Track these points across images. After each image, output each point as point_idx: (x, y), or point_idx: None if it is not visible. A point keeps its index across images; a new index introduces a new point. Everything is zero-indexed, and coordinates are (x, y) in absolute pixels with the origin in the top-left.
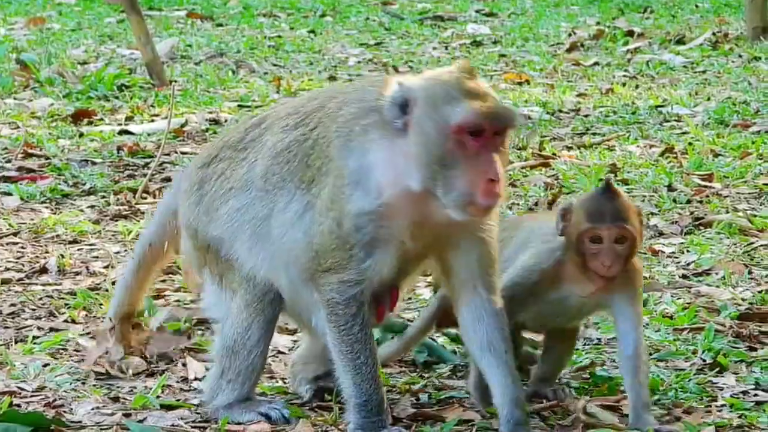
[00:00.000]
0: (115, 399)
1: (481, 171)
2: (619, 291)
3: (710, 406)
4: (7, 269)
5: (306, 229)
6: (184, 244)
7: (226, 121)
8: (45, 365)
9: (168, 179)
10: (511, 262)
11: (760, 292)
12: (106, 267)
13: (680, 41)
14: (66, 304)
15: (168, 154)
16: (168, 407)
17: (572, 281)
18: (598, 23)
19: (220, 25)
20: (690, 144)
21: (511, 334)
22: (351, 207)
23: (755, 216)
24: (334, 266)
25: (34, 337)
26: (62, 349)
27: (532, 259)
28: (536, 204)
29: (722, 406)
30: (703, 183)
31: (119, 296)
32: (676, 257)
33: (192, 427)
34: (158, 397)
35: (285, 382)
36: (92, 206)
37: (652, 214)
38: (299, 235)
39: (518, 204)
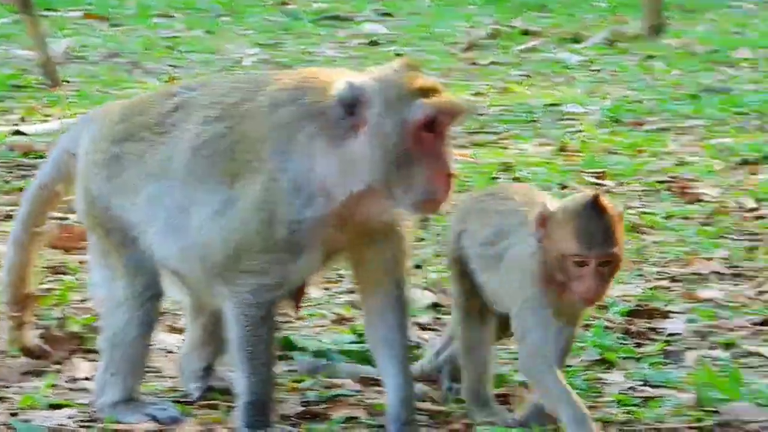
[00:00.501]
0: (2, 399)
1: (439, 167)
2: None
3: (597, 402)
4: None
5: (224, 226)
6: (80, 202)
7: None
8: None
9: None
10: (487, 238)
11: (650, 288)
12: None
13: (576, 40)
14: None
15: None
16: (55, 406)
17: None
18: (495, 23)
19: (116, 25)
20: (584, 142)
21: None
22: (290, 214)
23: (646, 213)
24: (255, 268)
25: None
26: None
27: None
28: None
29: (609, 402)
30: (596, 181)
31: (9, 257)
32: None
33: (79, 426)
34: (46, 396)
35: (174, 381)
36: None
37: None
38: (216, 231)
39: None
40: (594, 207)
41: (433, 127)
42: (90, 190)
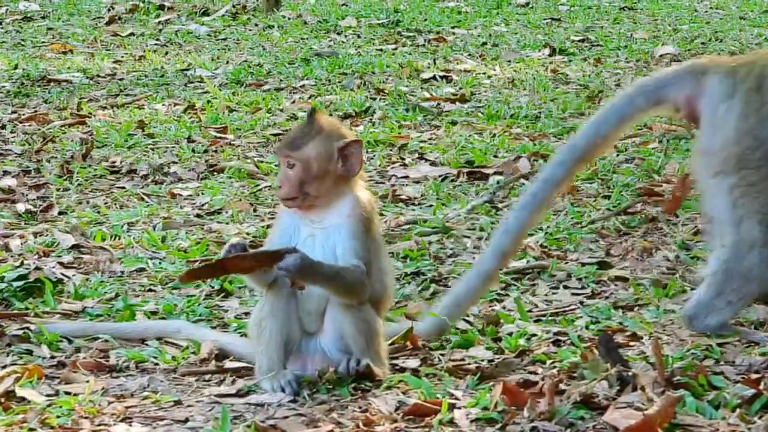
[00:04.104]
0: None
1: None
2: (334, 222)
3: (217, 326)
4: None
5: None
6: (730, 145)
7: None
8: None
9: None
10: None
11: (263, 226)
12: None
13: (205, 13)
14: None
15: None
16: None
17: None
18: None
19: None
20: (209, 102)
21: None
22: None
23: (262, 162)
24: None
25: None
26: None
27: None
28: (72, 157)
29: (227, 325)
30: (219, 135)
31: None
32: (193, 199)
33: None
34: None
35: None
36: None
37: (174, 162)
38: None
39: (55, 157)
40: (307, 118)
41: None
42: (758, 137)
